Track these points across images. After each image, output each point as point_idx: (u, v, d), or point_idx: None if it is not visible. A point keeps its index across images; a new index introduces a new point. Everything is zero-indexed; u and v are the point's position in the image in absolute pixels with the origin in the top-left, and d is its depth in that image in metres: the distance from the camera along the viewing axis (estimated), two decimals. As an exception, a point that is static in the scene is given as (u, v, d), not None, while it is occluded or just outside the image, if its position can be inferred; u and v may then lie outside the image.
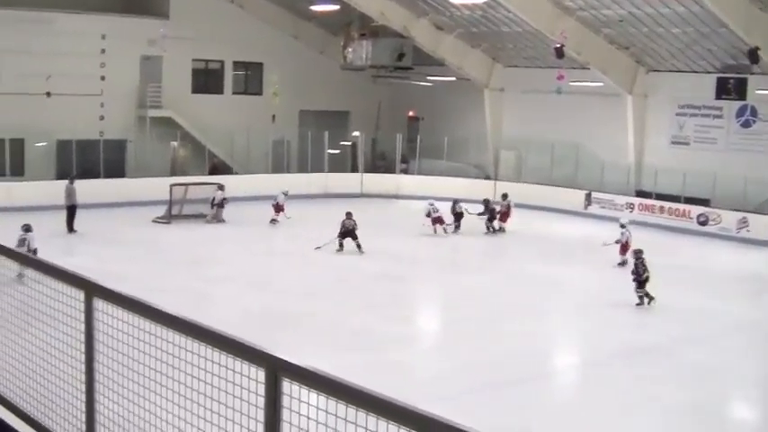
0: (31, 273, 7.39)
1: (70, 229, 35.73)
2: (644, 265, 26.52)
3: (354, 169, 52.14)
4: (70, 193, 36.00)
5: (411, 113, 54.65)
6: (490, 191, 46.91)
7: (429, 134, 50.89)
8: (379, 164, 53.91)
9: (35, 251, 24.71)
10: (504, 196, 41.04)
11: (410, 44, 48.07)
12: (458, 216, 39.06)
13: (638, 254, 26.88)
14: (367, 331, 23.47)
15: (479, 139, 49.57)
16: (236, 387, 5.23)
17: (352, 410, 4.35)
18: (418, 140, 50.68)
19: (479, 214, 39.33)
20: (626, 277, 27.73)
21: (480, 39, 46.92)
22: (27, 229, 27.62)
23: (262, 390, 4.80)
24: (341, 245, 33.72)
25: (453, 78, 48.83)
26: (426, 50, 47.34)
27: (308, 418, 4.73)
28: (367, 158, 53.02)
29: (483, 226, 38.51)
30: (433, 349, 23.80)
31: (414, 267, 32.05)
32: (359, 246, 33.37)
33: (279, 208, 39.34)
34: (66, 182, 36.62)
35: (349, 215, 34.16)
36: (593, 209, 44.02)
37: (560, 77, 40.36)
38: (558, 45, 39.58)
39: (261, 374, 4.78)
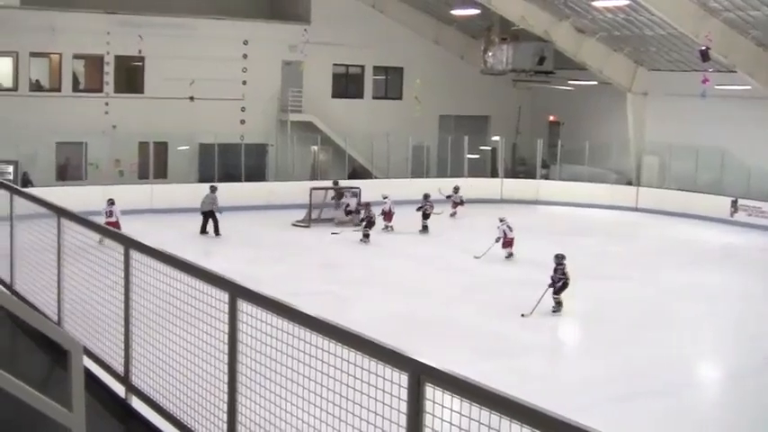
0: (164, 267, 7.51)
1: (203, 230, 36.59)
2: (564, 273, 25.87)
3: (494, 174, 51.90)
4: (213, 201, 36.64)
5: (552, 118, 54.23)
6: (632, 197, 46.39)
7: (570, 139, 50.38)
8: (520, 169, 53.64)
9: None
10: (456, 189, 43.53)
11: (551, 48, 47.75)
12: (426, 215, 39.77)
13: (560, 259, 26.14)
14: (507, 338, 23.36)
15: (622, 143, 48.85)
16: (378, 391, 5.20)
17: (495, 417, 4.29)
18: (559, 145, 50.20)
19: (418, 208, 39.76)
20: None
21: (623, 42, 46.28)
22: (112, 202, 33.40)
23: (404, 394, 4.75)
24: (367, 236, 36.33)
25: (595, 82, 48.24)
26: (567, 54, 46.86)
27: (451, 423, 4.67)
28: (507, 163, 52.73)
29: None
30: (574, 357, 23.62)
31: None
32: (367, 236, 36.33)
33: (389, 215, 39.08)
34: (208, 191, 37.22)
35: (367, 205, 37.29)
36: (740, 216, 42.89)
37: (705, 81, 39.47)
38: (703, 48, 38.75)
39: (404, 379, 4.73)
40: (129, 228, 9.20)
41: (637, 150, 48.87)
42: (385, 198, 39.07)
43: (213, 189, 37.20)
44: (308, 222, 39.61)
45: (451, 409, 4.62)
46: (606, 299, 28.11)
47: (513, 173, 52.57)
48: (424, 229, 39.14)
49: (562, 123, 53.35)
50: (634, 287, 29.84)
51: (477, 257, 33.03)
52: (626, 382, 19.95)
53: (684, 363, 22.25)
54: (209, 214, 36.55)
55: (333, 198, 41.59)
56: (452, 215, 42.72)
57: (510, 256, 33.43)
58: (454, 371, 4.47)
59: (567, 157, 50.26)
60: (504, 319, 24.88)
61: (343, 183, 43.79)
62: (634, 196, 46.97)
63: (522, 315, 25.18)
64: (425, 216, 39.35)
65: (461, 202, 43.45)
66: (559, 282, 25.77)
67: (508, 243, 33.34)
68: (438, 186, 42.13)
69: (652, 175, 48.14)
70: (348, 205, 40.09)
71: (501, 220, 33.70)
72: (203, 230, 36.49)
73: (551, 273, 25.96)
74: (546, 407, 4.07)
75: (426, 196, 39.89)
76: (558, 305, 25.82)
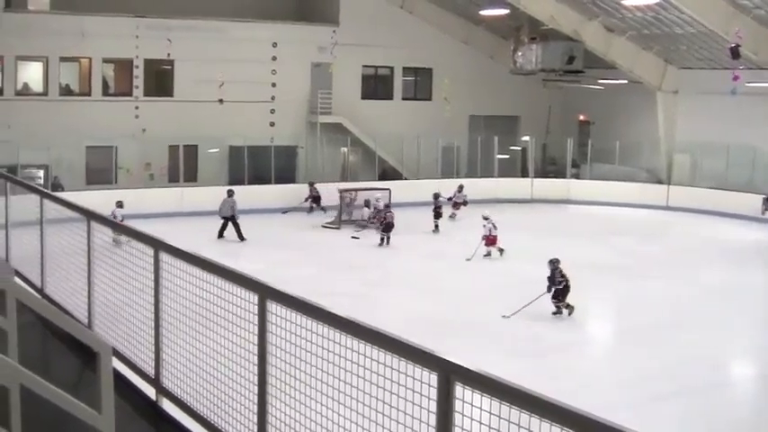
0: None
1: (221, 235, 36.04)
2: (562, 275, 25.21)
3: (524, 174, 51.75)
4: (232, 206, 36.25)
5: (582, 117, 54.04)
6: (663, 195, 46.17)
7: (600, 138, 50.22)
8: (550, 169, 53.48)
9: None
10: (460, 188, 42.94)
11: (580, 47, 47.50)
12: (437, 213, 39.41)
13: (555, 264, 25.39)
14: (535, 338, 23.31)
15: (652, 142, 48.62)
16: (408, 390, 5.19)
17: (525, 416, 4.27)
18: (589, 145, 50.03)
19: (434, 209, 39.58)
20: None
21: (652, 40, 46.06)
22: (119, 205, 33.72)
23: (433, 393, 4.74)
24: (383, 240, 35.77)
25: (625, 81, 48.00)
26: (597, 53, 46.67)
27: (481, 423, 4.65)
28: (537, 163, 52.58)
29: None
30: (603, 357, 23.51)
31: (586, 272, 31.47)
32: (388, 239, 35.69)
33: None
34: (225, 196, 36.91)
35: (387, 207, 36.90)
36: (772, 214, 42.61)
37: (735, 78, 39.16)
38: (734, 45, 38.50)
39: (433, 378, 4.72)
40: (159, 231, 9.31)
41: (667, 149, 48.59)
42: (377, 199, 38.99)
43: (230, 193, 36.91)
44: (338, 224, 39.61)
45: (481, 408, 4.61)
46: (637, 298, 28.02)
47: (543, 173, 52.43)
48: (436, 228, 38.98)
49: (592, 122, 53.15)
50: (665, 286, 29.71)
51: (468, 260, 32.86)
52: (657, 382, 19.86)
53: (715, 362, 22.11)
54: (228, 219, 36.20)
55: (306, 200, 41.39)
56: (451, 217, 41.76)
57: (489, 254, 33.41)
58: (483, 369, 4.46)
59: (597, 156, 50.08)
60: (533, 319, 24.78)
61: (374, 184, 43.78)
62: (665, 195, 46.75)
63: (504, 316, 24.90)
64: (437, 216, 39.26)
65: (465, 203, 42.78)
66: (560, 284, 25.19)
67: (491, 241, 33.35)
68: (436, 191, 40.98)
69: (683, 174, 47.87)
70: (362, 216, 39.82)
71: (485, 219, 33.62)
72: (221, 235, 36.00)
73: (548, 278, 25.38)
74: (577, 406, 4.04)
75: (436, 196, 39.77)
76: (569, 307, 25.31)
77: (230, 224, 36.11)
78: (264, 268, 26.06)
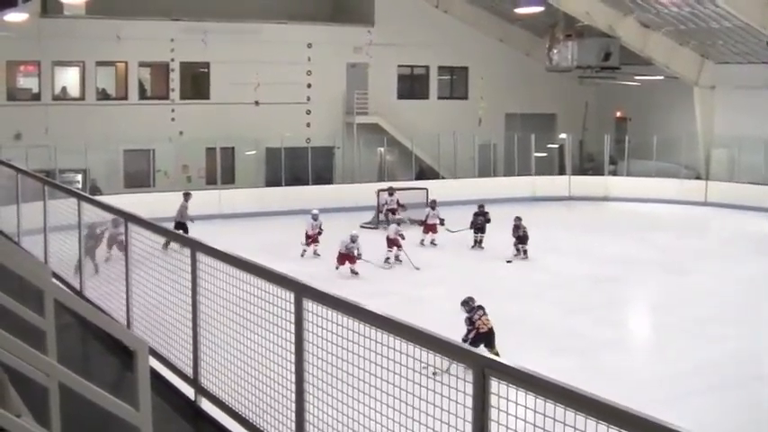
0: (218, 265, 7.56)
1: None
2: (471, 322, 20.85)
3: (562, 172, 51.56)
4: (182, 211, 34.24)
5: (619, 114, 53.74)
6: (701, 191, 45.91)
7: (637, 134, 49.90)
8: (587, 166, 53.26)
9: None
10: (433, 204, 37.83)
11: (616, 43, 47.25)
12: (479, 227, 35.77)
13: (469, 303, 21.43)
14: (578, 334, 23.27)
15: (690, 138, 48.28)
16: (445, 387, 5.20)
17: (560, 409, 4.27)
18: (626, 141, 49.79)
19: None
20: None
21: (688, 36, 45.82)
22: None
23: (470, 389, 4.75)
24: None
25: (661, 77, 47.75)
26: (633, 49, 46.47)
27: (516, 417, 4.66)
28: (574, 160, 52.37)
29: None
30: (646, 352, 23.50)
31: (625, 269, 31.43)
32: (525, 252, 33.43)
33: (311, 237, 34.40)
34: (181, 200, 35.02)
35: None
36: (811, 208, 42.27)
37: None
38: (770, 39, 38.33)
39: (469, 374, 4.73)
40: (198, 233, 9.36)
41: (705, 144, 48.29)
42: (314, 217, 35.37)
43: (186, 197, 34.99)
44: (376, 224, 39.64)
45: (516, 403, 4.61)
46: (677, 293, 27.91)
47: (580, 170, 52.22)
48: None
49: (629, 119, 52.82)
50: (705, 281, 29.61)
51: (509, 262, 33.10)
52: (698, 376, 19.83)
53: (757, 355, 22.02)
54: (179, 225, 32.34)
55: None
56: (424, 242, 36.72)
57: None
58: (519, 364, 4.47)
59: (634, 152, 49.79)
60: (574, 316, 24.76)
61: (411, 184, 43.76)
62: (703, 191, 46.45)
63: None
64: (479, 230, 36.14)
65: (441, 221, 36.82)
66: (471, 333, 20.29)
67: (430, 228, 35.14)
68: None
69: (721, 169, 47.54)
70: (386, 203, 39.80)
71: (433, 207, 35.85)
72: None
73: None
74: (617, 401, 4.04)
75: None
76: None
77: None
78: (308, 270, 26.14)
